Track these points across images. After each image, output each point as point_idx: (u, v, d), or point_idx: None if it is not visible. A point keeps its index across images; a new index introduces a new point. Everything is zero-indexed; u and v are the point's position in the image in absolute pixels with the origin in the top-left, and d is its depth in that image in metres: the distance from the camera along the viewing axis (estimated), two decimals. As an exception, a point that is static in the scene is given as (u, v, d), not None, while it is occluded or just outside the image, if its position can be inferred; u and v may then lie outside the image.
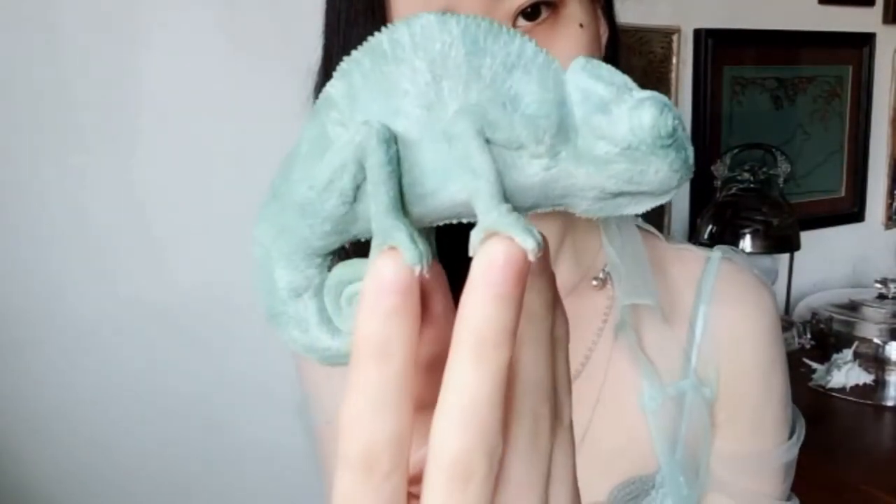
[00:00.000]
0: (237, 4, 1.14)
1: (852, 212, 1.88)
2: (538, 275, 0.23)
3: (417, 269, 0.21)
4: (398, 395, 0.21)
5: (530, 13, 0.50)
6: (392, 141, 0.23)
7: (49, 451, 1.09)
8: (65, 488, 1.10)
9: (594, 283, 0.64)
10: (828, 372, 1.44)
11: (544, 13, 0.50)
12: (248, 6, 1.14)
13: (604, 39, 0.58)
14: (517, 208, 0.23)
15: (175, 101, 1.11)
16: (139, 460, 1.14)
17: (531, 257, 0.20)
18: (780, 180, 1.63)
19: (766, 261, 1.62)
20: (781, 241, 1.58)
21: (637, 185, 0.23)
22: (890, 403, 1.40)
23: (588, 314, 0.63)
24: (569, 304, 0.27)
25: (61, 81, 1.04)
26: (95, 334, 1.10)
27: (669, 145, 0.23)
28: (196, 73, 1.12)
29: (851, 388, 1.42)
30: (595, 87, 0.23)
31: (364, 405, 0.21)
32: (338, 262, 0.26)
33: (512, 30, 0.24)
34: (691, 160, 0.23)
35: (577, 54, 0.52)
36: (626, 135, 0.22)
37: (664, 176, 0.23)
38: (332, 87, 0.24)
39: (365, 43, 0.24)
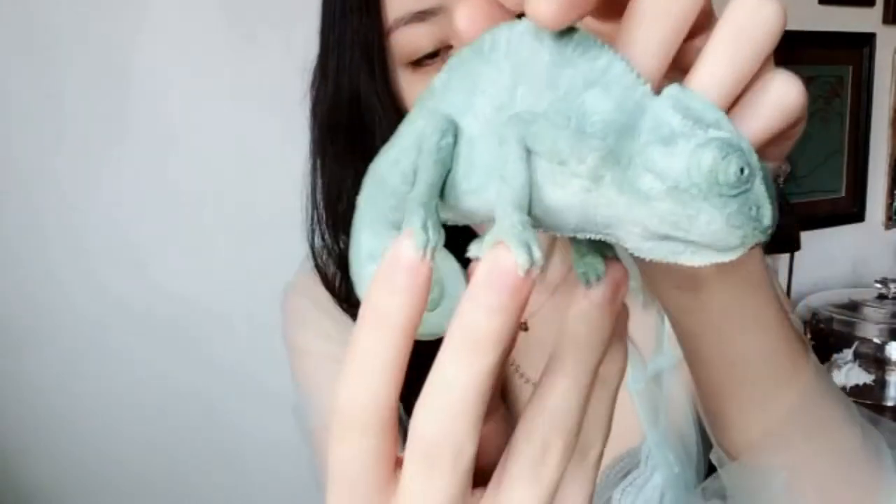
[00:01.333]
0: (234, 5, 1.14)
1: (852, 212, 1.88)
2: (598, 307, 0.23)
3: (420, 254, 0.21)
4: (387, 364, 0.22)
5: None
6: (449, 132, 0.24)
7: (48, 451, 1.09)
8: (65, 488, 1.10)
9: None
10: (828, 372, 1.44)
11: None
12: (246, 4, 1.14)
13: None
14: (559, 228, 0.23)
15: (171, 101, 1.11)
16: (138, 460, 1.14)
17: (520, 272, 0.20)
18: (781, 180, 1.63)
19: (766, 260, 1.62)
20: (781, 241, 1.58)
21: (685, 231, 0.21)
22: (890, 403, 1.40)
23: None
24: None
25: (57, 82, 1.04)
26: (94, 335, 1.10)
27: (730, 195, 0.20)
28: (192, 74, 1.12)
29: (851, 388, 1.42)
30: (672, 117, 0.21)
31: (356, 367, 0.22)
32: None
33: (605, 45, 0.22)
34: (766, 221, 0.20)
35: None
36: (679, 174, 0.20)
37: (719, 229, 0.20)
38: (437, 77, 0.25)
39: (477, 39, 0.24)
